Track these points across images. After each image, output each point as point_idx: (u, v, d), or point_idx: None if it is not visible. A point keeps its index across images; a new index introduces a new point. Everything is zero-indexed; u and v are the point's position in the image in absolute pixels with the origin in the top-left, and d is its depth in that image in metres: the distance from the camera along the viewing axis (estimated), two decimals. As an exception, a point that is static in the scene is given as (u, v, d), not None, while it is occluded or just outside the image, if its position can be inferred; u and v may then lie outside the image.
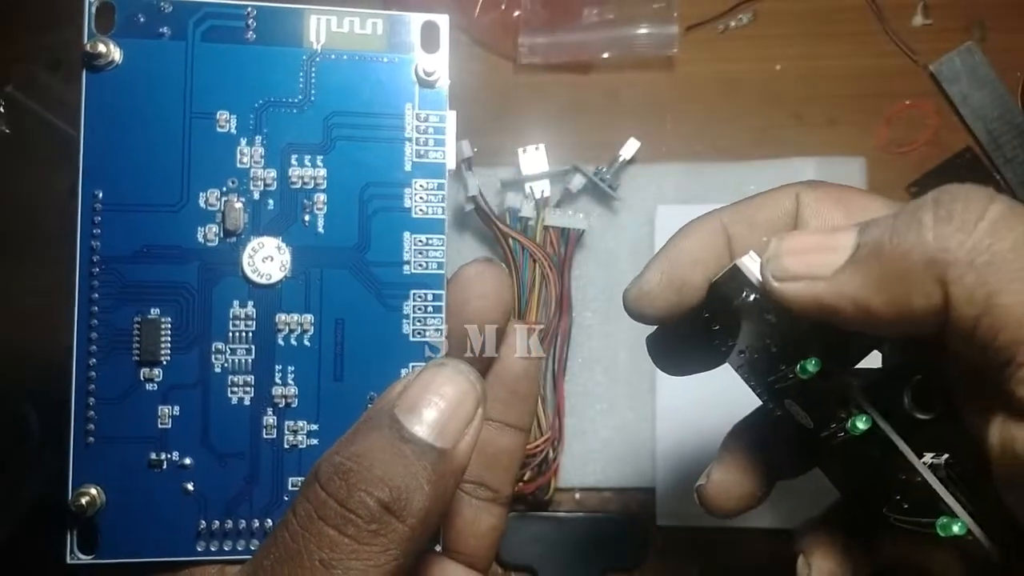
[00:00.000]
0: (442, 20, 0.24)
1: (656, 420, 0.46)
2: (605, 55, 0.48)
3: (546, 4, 0.49)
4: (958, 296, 0.18)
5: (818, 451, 0.26)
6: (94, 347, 0.23)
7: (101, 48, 0.23)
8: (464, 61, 0.49)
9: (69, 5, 0.51)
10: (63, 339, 0.23)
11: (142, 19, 0.23)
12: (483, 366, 0.25)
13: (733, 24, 0.50)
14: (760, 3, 0.50)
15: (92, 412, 0.23)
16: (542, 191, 0.47)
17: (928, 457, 0.22)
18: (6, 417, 0.45)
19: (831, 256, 0.21)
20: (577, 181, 0.47)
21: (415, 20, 0.24)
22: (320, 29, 0.24)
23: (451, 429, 0.21)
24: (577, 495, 0.46)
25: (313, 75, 0.24)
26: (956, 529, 0.21)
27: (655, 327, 0.28)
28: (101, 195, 0.23)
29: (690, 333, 0.27)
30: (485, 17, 0.49)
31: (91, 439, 0.23)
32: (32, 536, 0.44)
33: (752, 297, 0.23)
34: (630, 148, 0.47)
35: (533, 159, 0.47)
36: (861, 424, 0.22)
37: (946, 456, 0.22)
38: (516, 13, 0.49)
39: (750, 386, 0.27)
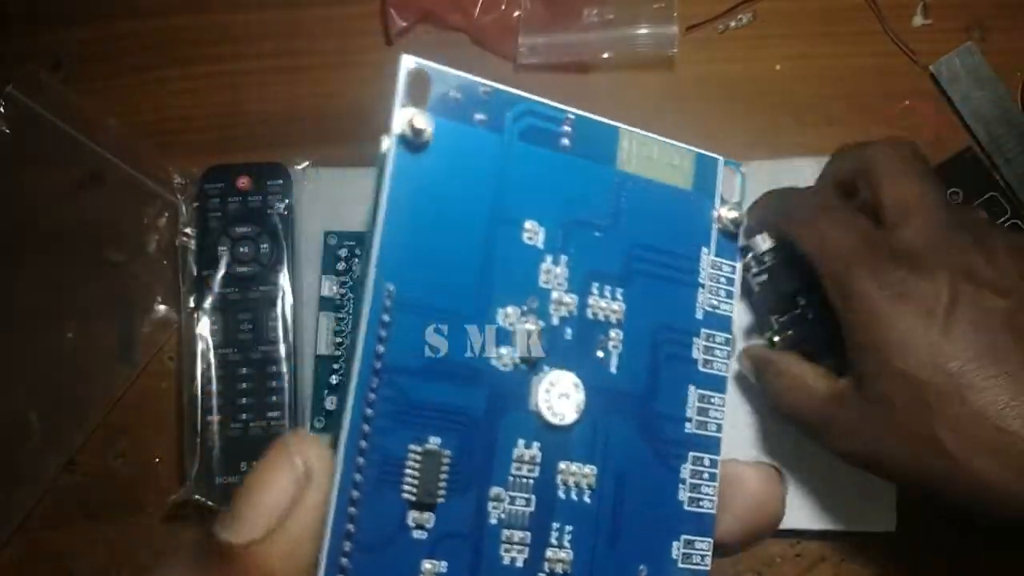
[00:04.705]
0: (748, 169, 0.22)
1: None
2: (605, 55, 0.46)
3: (546, 4, 0.47)
4: None
5: None
6: (359, 476, 0.18)
7: (422, 125, 0.19)
8: (464, 61, 0.50)
9: (70, 5, 0.51)
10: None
11: (458, 98, 0.19)
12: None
13: (733, 24, 0.48)
14: (760, 3, 0.48)
15: (345, 560, 0.17)
16: (543, 191, 0.47)
17: None
18: (6, 417, 0.45)
19: None
20: (577, 181, 0.47)
21: (719, 163, 0.22)
22: (633, 151, 0.21)
23: None
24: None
25: (624, 199, 0.21)
26: None
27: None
28: (394, 290, 0.18)
29: None
30: (485, 17, 0.47)
31: None
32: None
33: None
34: (630, 148, 0.47)
35: (533, 159, 0.47)
36: None
37: None
38: (516, 13, 0.46)
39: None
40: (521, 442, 0.19)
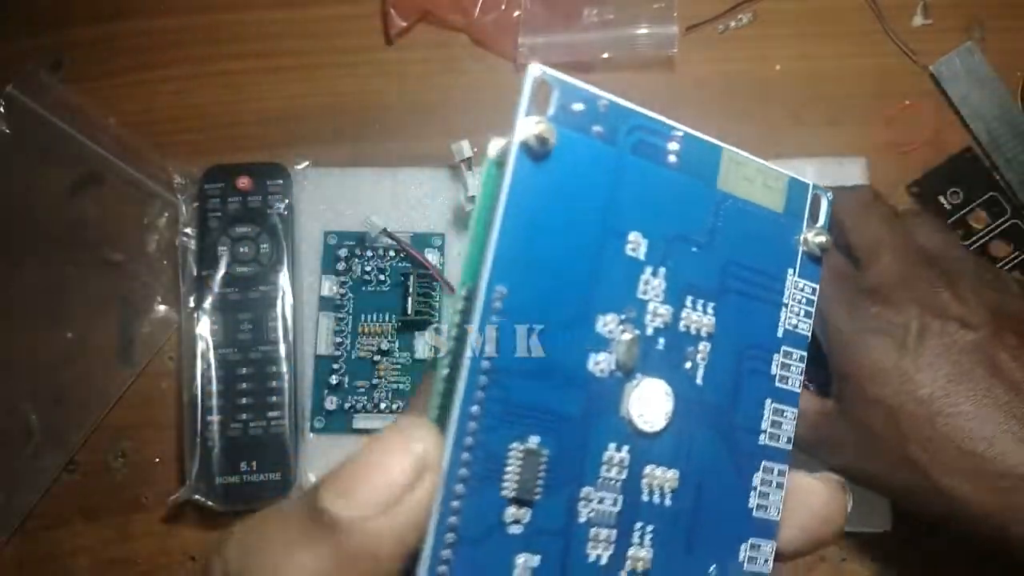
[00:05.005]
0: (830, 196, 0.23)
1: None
2: (605, 55, 0.47)
3: (546, 4, 0.47)
4: None
5: None
6: (464, 471, 0.18)
7: (548, 135, 0.19)
8: (464, 61, 0.48)
9: (70, 5, 0.51)
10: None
11: (580, 109, 0.19)
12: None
13: (733, 24, 0.48)
14: (760, 3, 0.48)
15: (447, 551, 0.18)
16: (543, 191, 0.47)
17: None
18: (6, 417, 0.45)
19: None
20: (577, 181, 0.47)
21: (809, 188, 0.23)
22: (731, 172, 0.21)
23: None
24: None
25: (721, 217, 0.21)
26: None
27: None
28: (506, 292, 0.18)
29: None
30: (485, 17, 0.47)
31: None
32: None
33: None
34: (630, 148, 0.47)
35: (533, 159, 0.47)
36: None
37: None
38: (516, 13, 0.46)
39: None
40: (612, 445, 0.20)
